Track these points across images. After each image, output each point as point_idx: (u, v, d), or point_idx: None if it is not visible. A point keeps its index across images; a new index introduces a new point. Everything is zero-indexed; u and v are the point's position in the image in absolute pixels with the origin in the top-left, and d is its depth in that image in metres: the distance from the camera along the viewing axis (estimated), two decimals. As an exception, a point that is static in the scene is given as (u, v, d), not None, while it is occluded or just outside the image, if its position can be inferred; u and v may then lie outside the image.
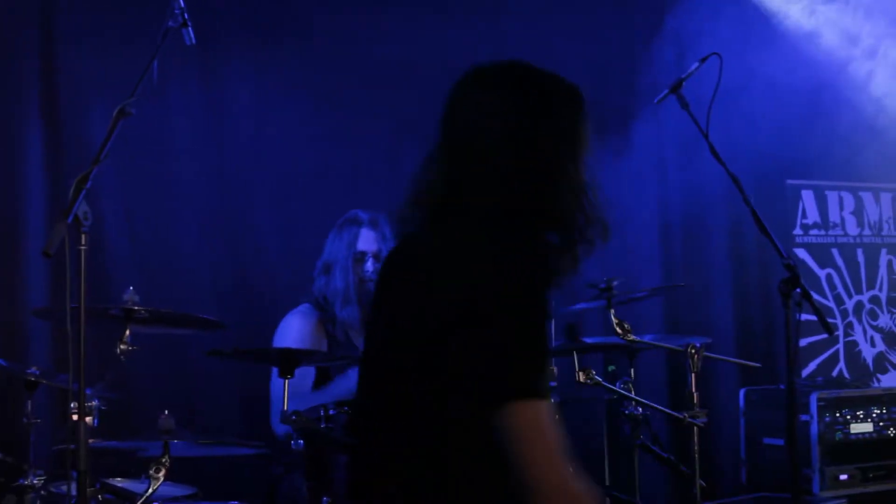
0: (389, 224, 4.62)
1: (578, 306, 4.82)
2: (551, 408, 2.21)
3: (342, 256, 4.66)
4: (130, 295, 3.71)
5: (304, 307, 4.72)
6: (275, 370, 4.34)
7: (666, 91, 4.17)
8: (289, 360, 3.76)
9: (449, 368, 2.20)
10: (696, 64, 4.13)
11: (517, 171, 2.32)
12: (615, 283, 4.64)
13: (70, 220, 2.85)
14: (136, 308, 3.67)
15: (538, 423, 2.15)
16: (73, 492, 3.05)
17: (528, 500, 2.15)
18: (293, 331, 4.65)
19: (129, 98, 3.13)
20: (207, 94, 5.30)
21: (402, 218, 2.45)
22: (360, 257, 4.66)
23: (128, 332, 3.68)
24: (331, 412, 3.57)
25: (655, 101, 4.22)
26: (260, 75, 5.39)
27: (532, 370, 2.17)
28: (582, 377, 4.27)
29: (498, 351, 2.16)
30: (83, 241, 2.90)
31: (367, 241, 4.67)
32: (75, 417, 3.10)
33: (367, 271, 4.63)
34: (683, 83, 4.12)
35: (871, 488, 5.64)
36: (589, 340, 4.60)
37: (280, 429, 4.29)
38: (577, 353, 4.33)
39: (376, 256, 4.64)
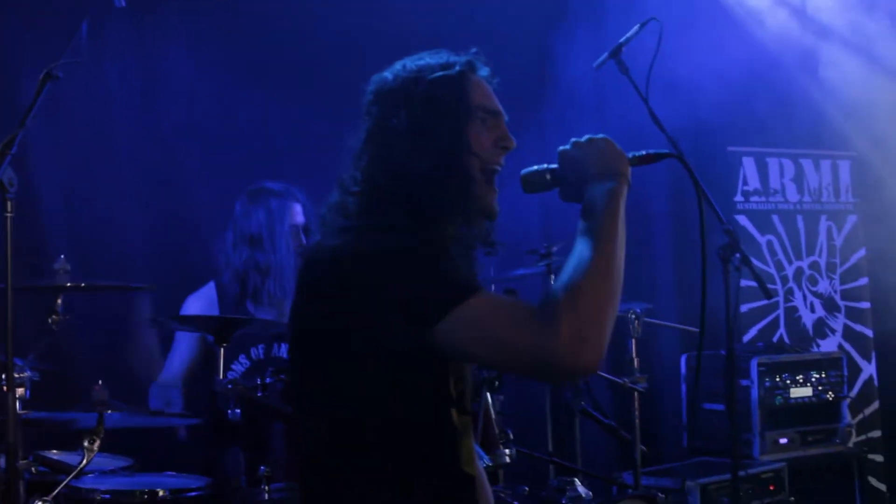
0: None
1: (518, 272, 4.81)
2: (486, 293, 2.19)
3: (277, 230, 4.56)
4: (62, 264, 3.65)
5: (206, 287, 4.63)
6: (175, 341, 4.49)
7: (605, 55, 4.14)
8: (225, 328, 3.73)
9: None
10: (636, 28, 4.10)
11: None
12: (555, 248, 4.64)
13: (-6, 186, 2.77)
14: (63, 272, 3.62)
15: (481, 316, 2.12)
16: (3, 464, 3.00)
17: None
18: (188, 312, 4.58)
19: (57, 62, 3.05)
20: (143, 63, 5.20)
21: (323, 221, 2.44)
22: (296, 231, 4.58)
23: (59, 302, 3.63)
24: (268, 380, 3.53)
25: (594, 65, 4.19)
26: (195, 43, 5.29)
27: (443, 283, 2.16)
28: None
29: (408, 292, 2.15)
30: (9, 209, 2.83)
31: (299, 214, 4.60)
32: (5, 389, 3.04)
33: (304, 244, 4.54)
34: (623, 48, 4.10)
35: (810, 452, 5.71)
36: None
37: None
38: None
39: (305, 230, 4.56)
